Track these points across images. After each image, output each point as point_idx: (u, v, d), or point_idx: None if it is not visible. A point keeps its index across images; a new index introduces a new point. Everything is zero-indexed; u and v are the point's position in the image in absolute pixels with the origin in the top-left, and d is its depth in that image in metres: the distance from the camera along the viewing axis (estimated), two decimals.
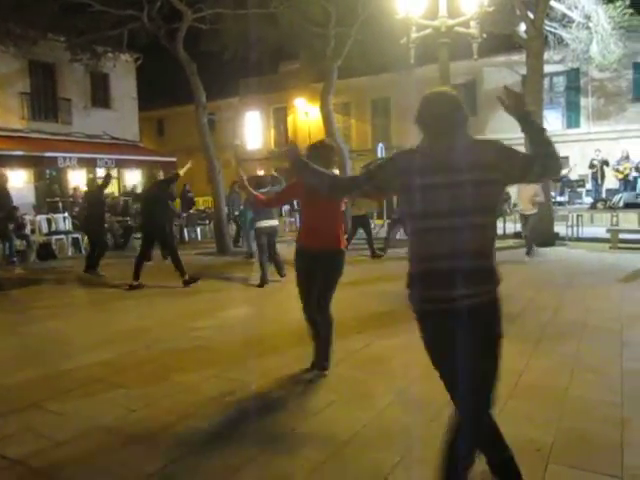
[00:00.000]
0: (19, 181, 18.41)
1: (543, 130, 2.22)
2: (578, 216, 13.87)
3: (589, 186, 18.09)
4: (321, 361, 4.21)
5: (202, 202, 21.59)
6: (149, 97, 24.54)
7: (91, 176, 15.77)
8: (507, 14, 13.08)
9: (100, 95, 21.63)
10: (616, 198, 13.81)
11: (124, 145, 21.69)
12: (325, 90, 17.37)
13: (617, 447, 2.97)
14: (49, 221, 13.53)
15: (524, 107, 2.26)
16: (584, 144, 19.76)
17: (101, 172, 20.38)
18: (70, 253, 13.01)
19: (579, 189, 17.62)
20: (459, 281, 2.21)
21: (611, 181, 17.84)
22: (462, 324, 2.23)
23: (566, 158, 19.18)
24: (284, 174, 9.63)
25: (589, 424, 3.23)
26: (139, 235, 12.03)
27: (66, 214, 14.27)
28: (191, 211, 17.22)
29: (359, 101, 25.92)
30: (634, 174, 17.06)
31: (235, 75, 26.75)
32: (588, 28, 14.67)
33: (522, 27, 13.51)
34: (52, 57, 18.07)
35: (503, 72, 21.59)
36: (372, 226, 14.56)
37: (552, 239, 12.43)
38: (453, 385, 2.37)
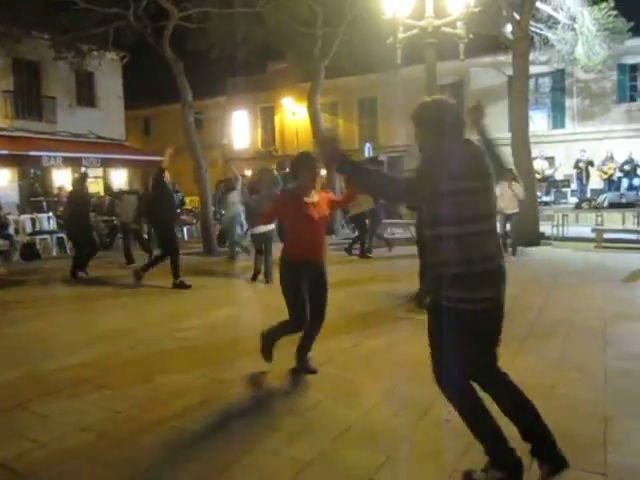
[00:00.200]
0: (2, 180, 18.23)
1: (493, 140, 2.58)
2: (563, 216, 13.99)
3: (574, 186, 18.28)
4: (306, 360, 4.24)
5: (189, 202, 21.48)
6: (135, 96, 24.36)
7: (76, 175, 15.60)
8: (493, 15, 13.16)
9: (85, 94, 21.43)
10: (601, 198, 13.96)
11: (110, 144, 21.51)
12: (312, 90, 17.37)
13: (600, 445, 2.99)
14: (33, 221, 13.39)
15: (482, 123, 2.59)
16: (569, 144, 19.96)
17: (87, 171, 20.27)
18: (55, 253, 12.89)
19: (564, 189, 17.81)
20: (503, 279, 2.52)
21: (596, 181, 18.03)
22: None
23: (552, 158, 19.38)
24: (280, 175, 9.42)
25: (573, 422, 3.25)
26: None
27: (50, 214, 14.13)
28: (178, 211, 17.10)
29: (346, 101, 25.96)
30: (618, 174, 17.26)
31: (222, 74, 26.67)
32: (573, 29, 14.80)
33: (508, 28, 13.60)
34: (36, 55, 17.87)
35: (490, 73, 21.75)
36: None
37: (537, 239, 12.52)
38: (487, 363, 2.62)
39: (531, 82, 16.35)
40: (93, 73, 20.79)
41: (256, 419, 3.45)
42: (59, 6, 13.18)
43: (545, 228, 13.17)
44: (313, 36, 15.84)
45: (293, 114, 26.27)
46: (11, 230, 12.45)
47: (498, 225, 3.07)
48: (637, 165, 16.89)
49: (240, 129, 29.31)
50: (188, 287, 8.08)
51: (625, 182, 16.81)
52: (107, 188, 20.00)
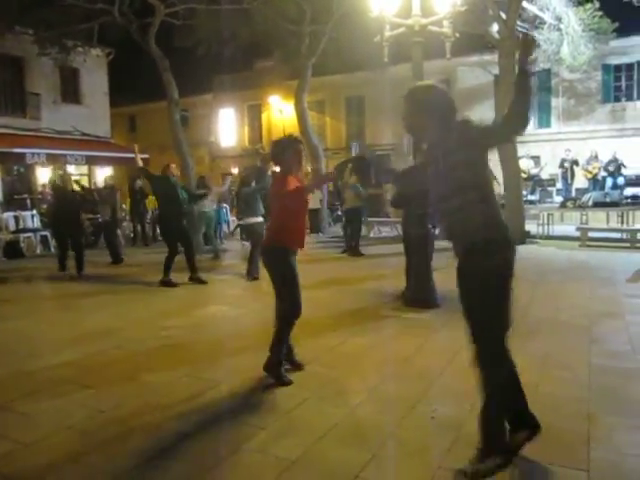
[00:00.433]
0: None
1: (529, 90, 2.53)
2: (549, 215, 14.09)
3: (559, 185, 18.43)
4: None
5: None
6: (121, 93, 24.15)
7: (60, 172, 15.39)
8: (480, 14, 13.23)
9: (70, 90, 21.17)
10: (585, 197, 14.08)
11: (95, 141, 21.29)
12: (299, 88, 17.35)
13: (584, 441, 3.02)
14: (16, 218, 13.24)
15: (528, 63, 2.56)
16: (555, 144, 20.12)
17: (71, 169, 20.05)
18: (39, 251, 12.76)
19: (550, 188, 17.95)
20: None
21: (581, 180, 18.19)
22: None
23: (537, 157, 19.52)
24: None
25: (557, 419, 3.27)
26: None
27: (34, 211, 13.98)
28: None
29: (333, 99, 25.94)
30: (603, 174, 17.42)
31: (209, 72, 26.55)
32: (559, 30, 14.93)
33: (495, 27, 13.67)
34: (20, 50, 17.65)
35: (476, 72, 21.84)
36: None
37: (523, 237, 12.60)
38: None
39: None
40: (78, 69, 20.55)
41: (242, 418, 3.43)
42: (43, 1, 13.04)
43: (531, 227, 13.26)
44: (300, 34, 15.83)
45: (280, 112, 26.20)
46: None
47: None
48: (621, 165, 17.06)
49: (227, 127, 29.19)
50: (174, 285, 8.09)
51: (609, 181, 16.98)
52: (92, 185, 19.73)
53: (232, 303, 7.14)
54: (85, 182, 20.42)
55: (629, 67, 20.54)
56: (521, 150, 14.40)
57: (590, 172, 17.59)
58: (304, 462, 2.88)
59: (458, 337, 4.56)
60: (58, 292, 8.31)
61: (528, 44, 2.57)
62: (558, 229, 13.90)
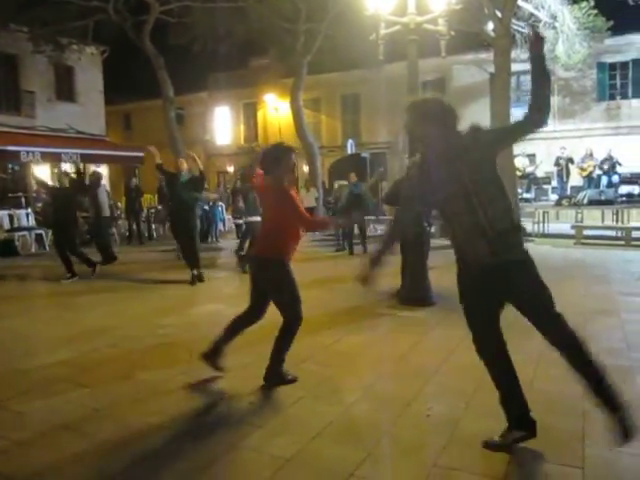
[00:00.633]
0: None
1: (549, 82, 2.64)
2: (544, 213, 14.13)
3: (555, 183, 18.47)
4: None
5: None
6: (116, 91, 24.08)
7: (64, 170, 15.17)
8: (475, 12, 13.23)
9: (65, 88, 21.08)
10: (580, 195, 14.14)
11: (90, 140, 21.21)
12: (295, 86, 17.35)
13: (579, 439, 3.03)
14: (11, 217, 13.18)
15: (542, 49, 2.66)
16: (550, 142, 20.15)
17: (66, 167, 19.95)
18: (34, 250, 12.71)
19: (545, 186, 18.01)
20: None
21: (576, 178, 18.24)
22: None
23: (533, 155, 19.56)
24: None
25: (552, 417, 3.28)
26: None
27: (29, 210, 13.92)
28: (159, 207, 16.97)
29: (329, 97, 25.93)
30: (597, 172, 17.46)
31: (204, 69, 26.50)
32: (554, 28, 14.95)
33: (490, 26, 13.69)
34: (14, 48, 17.57)
35: (471, 70, 21.87)
36: None
37: None
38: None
39: (512, 80, 16.44)
40: (73, 67, 20.46)
41: (237, 416, 3.43)
42: None
43: (526, 225, 13.28)
44: (296, 32, 15.82)
45: (276, 110, 26.17)
46: None
47: None
48: (616, 163, 17.11)
49: (222, 125, 29.15)
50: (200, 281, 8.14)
51: (604, 179, 17.01)
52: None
53: (228, 301, 7.12)
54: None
55: (624, 65, 20.59)
56: (516, 148, 14.43)
57: (585, 170, 17.63)
58: (299, 460, 2.88)
59: (453, 335, 4.59)
60: (53, 290, 8.27)
61: (538, 38, 2.65)
62: (553, 227, 13.94)
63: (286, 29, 15.76)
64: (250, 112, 28.65)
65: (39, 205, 15.30)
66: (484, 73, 21.06)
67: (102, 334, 5.47)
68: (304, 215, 3.85)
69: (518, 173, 14.75)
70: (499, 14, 12.63)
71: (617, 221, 14.11)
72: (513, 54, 13.97)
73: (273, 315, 3.94)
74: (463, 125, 2.91)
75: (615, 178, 16.75)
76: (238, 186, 11.48)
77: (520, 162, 16.76)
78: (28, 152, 17.14)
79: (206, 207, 14.01)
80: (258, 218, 8.38)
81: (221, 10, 14.32)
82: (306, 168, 21.57)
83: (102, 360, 4.67)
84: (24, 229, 13.03)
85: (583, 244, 11.62)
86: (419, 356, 4.56)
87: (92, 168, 21.42)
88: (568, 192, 16.79)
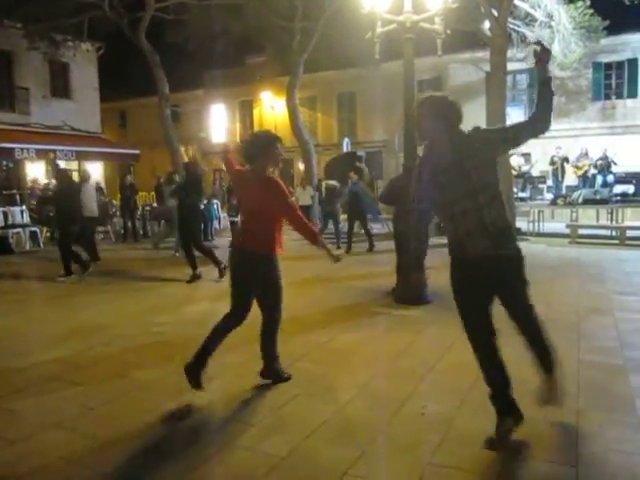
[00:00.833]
0: None
1: (552, 96, 2.87)
2: (539, 212, 14.16)
3: (550, 182, 18.49)
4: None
5: None
6: (111, 88, 23.98)
7: (65, 168, 14.93)
8: (472, 11, 13.24)
9: (60, 85, 20.99)
10: (575, 194, 14.16)
11: (85, 137, 21.14)
12: (291, 84, 17.32)
13: (572, 437, 3.03)
14: (5, 214, 13.12)
15: (548, 71, 2.88)
16: (545, 141, 20.14)
17: (62, 164, 19.86)
18: (28, 247, 12.65)
19: (540, 185, 18.03)
20: None
21: (571, 178, 18.28)
22: None
23: (528, 155, 19.59)
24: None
25: (546, 415, 3.28)
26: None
27: (23, 207, 13.86)
28: (155, 204, 16.94)
29: (325, 95, 25.89)
30: (592, 171, 17.51)
31: (200, 67, 26.43)
32: (550, 27, 14.96)
33: (486, 25, 13.70)
34: (9, 44, 17.48)
35: (468, 69, 21.88)
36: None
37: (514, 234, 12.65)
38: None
39: (509, 79, 16.46)
40: (68, 64, 20.38)
41: (231, 415, 3.42)
42: None
43: (521, 224, 13.32)
44: (292, 30, 15.79)
45: (272, 108, 26.13)
46: None
47: None
48: (611, 162, 17.16)
49: (218, 123, 29.06)
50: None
51: (599, 179, 17.07)
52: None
53: (224, 299, 7.11)
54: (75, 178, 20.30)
55: (619, 65, 20.63)
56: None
57: (580, 169, 17.68)
58: (293, 459, 2.88)
59: (448, 334, 4.59)
60: (48, 288, 8.24)
61: (544, 54, 2.85)
62: (548, 226, 13.97)
63: (282, 27, 15.73)
64: (246, 110, 28.59)
65: (33, 202, 15.23)
66: (480, 72, 21.07)
67: (97, 332, 5.46)
68: (295, 207, 3.78)
69: (513, 172, 14.77)
70: (495, 13, 12.63)
71: (612, 220, 14.16)
72: (509, 53, 13.99)
73: None
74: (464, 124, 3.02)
75: (610, 177, 16.80)
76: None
77: (515, 161, 16.78)
78: (23, 149, 17.09)
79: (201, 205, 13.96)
80: None
81: (217, 7, 14.28)
82: (302, 166, 21.55)
83: (97, 358, 4.66)
84: (18, 226, 12.97)
85: (578, 243, 11.65)
86: (414, 354, 4.56)
87: (91, 171, 21.41)
88: (563, 191, 16.82)
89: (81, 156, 19.54)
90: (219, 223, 16.29)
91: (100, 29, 14.83)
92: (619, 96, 20.88)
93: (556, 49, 15.38)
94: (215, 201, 15.75)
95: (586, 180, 17.51)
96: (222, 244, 13.17)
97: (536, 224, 13.77)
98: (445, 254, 3.15)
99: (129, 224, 14.61)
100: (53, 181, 15.97)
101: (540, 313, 5.92)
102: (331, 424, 3.27)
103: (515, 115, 20.50)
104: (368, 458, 2.87)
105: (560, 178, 18.13)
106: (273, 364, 3.88)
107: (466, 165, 2.90)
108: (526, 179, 17.76)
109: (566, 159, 18.03)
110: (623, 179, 16.12)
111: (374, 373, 4.12)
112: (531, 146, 19.70)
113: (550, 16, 14.62)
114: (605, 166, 17.15)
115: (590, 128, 20.48)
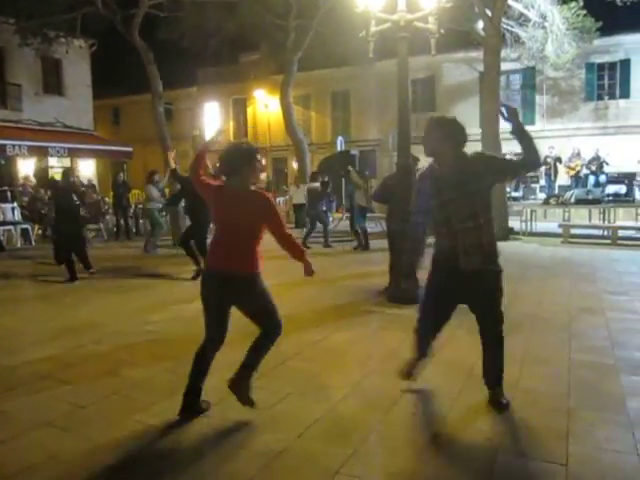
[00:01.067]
0: None
1: (531, 139, 3.25)
2: (532, 211, 14.22)
3: (543, 182, 18.58)
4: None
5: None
6: (104, 85, 23.86)
7: (67, 166, 14.66)
8: (465, 11, 13.27)
9: (52, 81, 20.86)
10: (568, 194, 14.23)
11: (78, 134, 21.03)
12: (285, 82, 17.30)
13: (563, 436, 3.04)
14: None
15: (519, 120, 3.28)
16: (539, 141, 19.77)
17: (53, 161, 19.76)
18: (19, 245, 12.58)
19: (533, 185, 18.11)
20: None
21: (563, 177, 18.37)
22: None
23: (521, 154, 19.68)
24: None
25: (537, 414, 3.30)
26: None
27: (15, 204, 13.77)
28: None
29: (319, 94, 25.88)
30: (585, 171, 17.60)
31: (194, 65, 26.33)
32: (544, 27, 15.03)
33: (480, 24, 13.73)
34: (1, 40, 17.37)
35: (461, 68, 21.93)
36: (331, 219, 14.62)
37: (506, 234, 12.70)
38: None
39: (502, 79, 16.50)
40: (60, 60, 20.25)
41: (223, 413, 3.41)
42: None
43: (514, 223, 13.37)
44: (286, 28, 15.77)
45: (266, 106, 26.10)
46: None
47: None
48: (603, 162, 17.25)
49: (212, 121, 28.98)
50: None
51: (591, 179, 17.16)
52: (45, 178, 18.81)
53: None
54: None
55: (612, 66, 20.75)
56: (505, 147, 14.49)
57: (572, 169, 17.76)
58: (286, 457, 2.88)
59: (440, 333, 4.59)
60: (39, 287, 8.20)
61: (512, 113, 3.28)
62: (541, 226, 14.03)
63: (277, 25, 15.72)
64: (240, 108, 28.53)
65: (25, 199, 15.14)
66: (474, 71, 21.13)
67: (88, 330, 5.43)
68: (284, 224, 3.50)
69: None
70: (489, 13, 12.66)
71: (604, 220, 14.24)
72: (503, 53, 14.02)
73: None
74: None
75: (602, 177, 16.89)
76: None
77: None
78: (14, 146, 16.96)
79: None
80: None
81: (211, 5, 14.23)
82: (295, 165, 21.54)
83: (88, 356, 4.64)
84: (9, 223, 12.89)
85: (570, 243, 11.70)
86: (406, 353, 4.55)
87: (83, 168, 21.32)
88: (556, 191, 16.91)
89: (73, 153, 19.44)
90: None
91: (93, 26, 14.73)
92: (611, 96, 20.99)
93: (549, 49, 15.46)
94: None
95: (578, 180, 17.60)
96: None
97: (529, 224, 13.83)
98: None
99: (122, 222, 14.55)
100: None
101: (532, 312, 5.97)
102: (323, 423, 3.27)
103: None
104: (360, 456, 2.87)
105: (553, 178, 18.22)
106: (250, 378, 3.44)
107: (471, 188, 3.20)
108: (519, 179, 17.81)
109: (559, 159, 18.12)
110: (615, 179, 16.20)
111: (366, 372, 4.13)
112: None
113: (543, 16, 14.68)
114: (597, 166, 17.24)
115: (583, 128, 20.58)
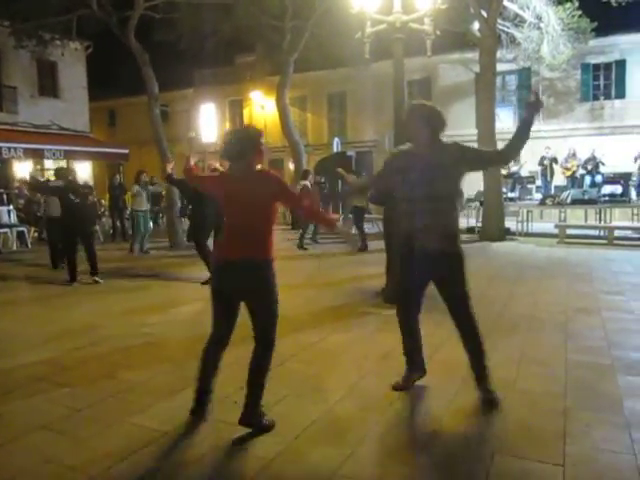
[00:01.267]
0: None
1: (526, 138, 3.33)
2: (528, 212, 14.25)
3: (539, 182, 18.62)
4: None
5: None
6: (100, 87, 23.84)
7: (70, 167, 14.55)
8: (461, 12, 13.31)
9: (48, 84, 20.83)
10: (564, 195, 14.26)
11: (74, 136, 20.99)
12: (281, 83, 17.30)
13: (560, 437, 3.05)
14: None
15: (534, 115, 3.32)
16: (534, 142, 20.09)
17: (49, 164, 19.69)
18: (15, 247, 12.55)
19: (529, 185, 18.15)
20: None
21: (559, 178, 18.40)
22: None
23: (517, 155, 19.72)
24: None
25: (534, 415, 3.31)
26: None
27: (11, 207, 13.74)
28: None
29: (315, 95, 25.89)
30: (581, 172, 17.63)
31: (190, 66, 26.29)
32: (539, 28, 15.07)
33: (476, 25, 13.76)
34: None
35: (457, 69, 21.96)
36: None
37: (502, 234, 12.73)
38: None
39: (498, 79, 16.55)
40: (56, 63, 20.22)
41: (220, 416, 3.40)
42: None
43: (510, 224, 13.39)
44: (282, 29, 15.77)
45: (262, 108, 26.09)
46: None
47: None
48: (599, 163, 17.29)
49: (208, 122, 28.96)
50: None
51: (587, 179, 17.19)
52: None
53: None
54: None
55: (607, 66, 20.80)
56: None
57: (568, 170, 17.80)
58: (283, 459, 2.87)
59: (438, 334, 4.60)
60: (35, 289, 8.18)
61: (539, 103, 3.33)
62: (537, 226, 14.06)
63: (273, 26, 15.71)
64: (236, 109, 28.52)
65: (21, 202, 15.10)
66: (470, 72, 21.15)
67: (85, 333, 5.42)
68: (301, 197, 3.56)
69: (503, 172, 14.84)
70: (485, 14, 12.69)
71: (600, 220, 14.27)
72: (498, 54, 14.05)
73: None
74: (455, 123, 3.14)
75: (598, 178, 16.93)
76: None
77: None
78: (10, 148, 16.92)
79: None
80: None
81: (207, 6, 14.22)
82: (292, 166, 21.52)
83: (85, 359, 4.62)
84: (5, 226, 12.85)
85: (566, 243, 11.73)
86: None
87: (79, 170, 21.16)
88: (552, 191, 16.93)
89: (69, 155, 19.38)
90: None
91: (88, 28, 14.66)
92: (607, 97, 21.05)
93: (545, 50, 15.50)
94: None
95: (574, 180, 17.63)
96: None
97: (525, 224, 13.85)
98: None
99: (118, 224, 14.54)
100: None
101: (528, 313, 5.98)
102: (320, 424, 3.27)
103: (504, 116, 20.63)
104: (357, 458, 2.87)
105: (549, 178, 18.25)
106: (260, 405, 3.28)
107: (439, 172, 3.34)
108: (515, 179, 17.86)
109: (555, 159, 18.15)
110: (611, 179, 16.25)
111: (363, 373, 4.13)
112: None
113: (539, 17, 14.73)
114: (593, 166, 17.27)
115: (578, 129, 20.62)
